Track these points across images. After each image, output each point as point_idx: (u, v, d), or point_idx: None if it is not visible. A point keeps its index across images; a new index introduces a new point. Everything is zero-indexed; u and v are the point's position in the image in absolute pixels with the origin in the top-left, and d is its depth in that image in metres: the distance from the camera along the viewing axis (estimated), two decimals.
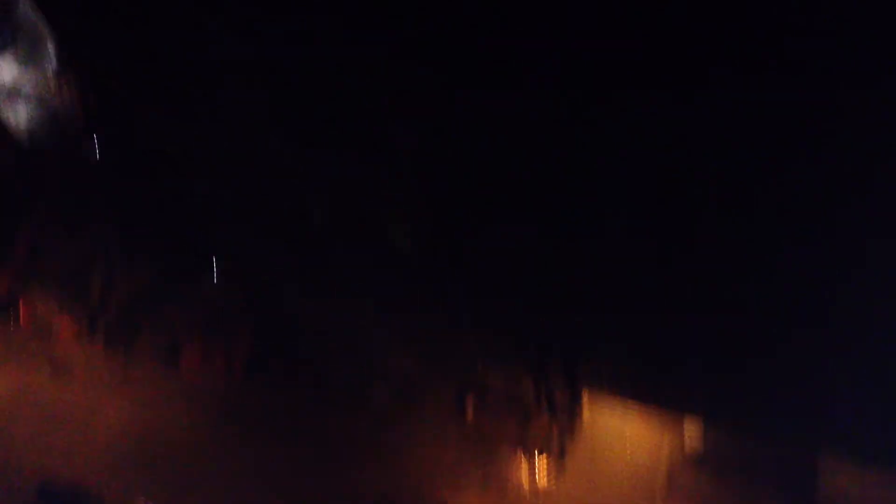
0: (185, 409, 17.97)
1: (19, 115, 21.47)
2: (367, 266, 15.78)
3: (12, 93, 21.96)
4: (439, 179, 13.90)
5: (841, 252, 12.69)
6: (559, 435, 16.45)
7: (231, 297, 18.56)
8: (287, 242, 16.17)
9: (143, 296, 19.42)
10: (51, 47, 21.94)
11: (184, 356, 18.32)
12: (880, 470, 15.19)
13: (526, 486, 16.28)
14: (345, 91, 13.76)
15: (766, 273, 13.26)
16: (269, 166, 15.14)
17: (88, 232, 18.93)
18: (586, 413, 16.66)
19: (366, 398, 17.62)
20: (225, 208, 16.58)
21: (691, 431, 15.81)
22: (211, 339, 18.40)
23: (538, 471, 16.28)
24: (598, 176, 13.07)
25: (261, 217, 16.18)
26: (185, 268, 19.24)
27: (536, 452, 16.29)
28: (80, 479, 17.20)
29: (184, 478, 17.25)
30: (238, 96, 14.91)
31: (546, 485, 16.23)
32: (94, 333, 18.79)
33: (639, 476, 16.02)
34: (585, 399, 16.58)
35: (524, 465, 16.43)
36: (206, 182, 16.41)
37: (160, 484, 17.12)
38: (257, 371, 18.39)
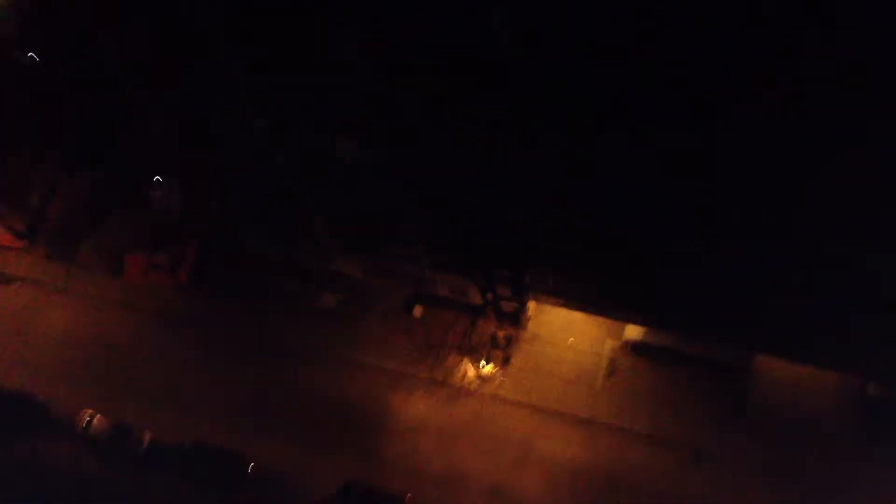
0: (129, 316, 17.96)
1: None
2: (318, 176, 15.65)
3: None
4: (396, 93, 13.66)
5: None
6: (506, 337, 16.88)
7: (175, 207, 18.35)
8: (234, 152, 15.91)
9: (87, 206, 19.07)
10: None
11: (127, 265, 18.19)
12: (808, 369, 16.13)
13: (473, 386, 16.77)
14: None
15: (696, 182, 13.45)
16: (211, 78, 14.69)
17: (29, 145, 18.40)
18: (533, 317, 17.10)
19: (314, 304, 17.81)
20: (171, 119, 16.18)
21: (631, 333, 16.39)
22: (155, 247, 18.26)
23: (485, 370, 16.77)
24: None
25: (207, 128, 15.86)
26: (130, 179, 18.88)
27: (484, 353, 16.75)
28: (25, 386, 17.17)
29: (128, 382, 17.35)
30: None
31: (493, 383, 16.77)
32: (35, 243, 18.48)
33: (580, 372, 16.64)
34: (530, 304, 16.97)
35: (472, 366, 16.90)
36: (151, 94, 15.94)
37: (104, 389, 17.23)
38: (202, 279, 18.48)
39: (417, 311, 17.53)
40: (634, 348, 16.45)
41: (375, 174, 14.95)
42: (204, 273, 18.23)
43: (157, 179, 17.77)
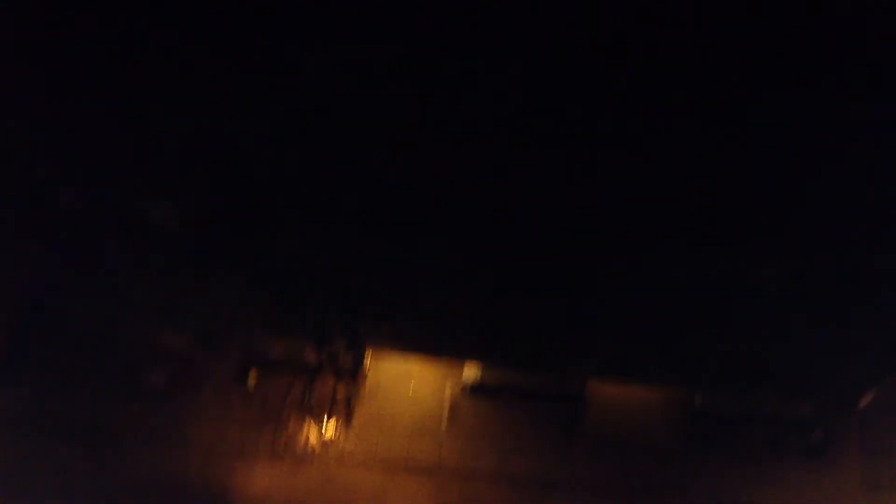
0: None
1: None
2: (132, 246, 15.14)
3: None
4: (207, 153, 13.67)
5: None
6: (346, 394, 16.64)
7: None
8: (44, 229, 15.16)
9: None
10: None
11: None
12: (637, 387, 17.08)
13: (316, 450, 16.27)
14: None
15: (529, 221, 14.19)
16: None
17: None
18: (370, 370, 17.03)
19: (140, 381, 16.80)
20: None
21: (469, 375, 16.69)
22: None
23: (327, 432, 16.34)
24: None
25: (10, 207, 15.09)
26: None
27: (324, 414, 16.36)
28: None
29: None
30: None
31: (337, 444, 16.33)
32: None
33: (423, 420, 16.62)
34: (369, 357, 16.94)
35: (313, 429, 16.43)
36: None
37: None
38: (17, 364, 17.02)
39: (251, 377, 16.96)
40: (473, 389, 16.73)
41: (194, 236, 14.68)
42: (18, 353, 16.82)
43: None
